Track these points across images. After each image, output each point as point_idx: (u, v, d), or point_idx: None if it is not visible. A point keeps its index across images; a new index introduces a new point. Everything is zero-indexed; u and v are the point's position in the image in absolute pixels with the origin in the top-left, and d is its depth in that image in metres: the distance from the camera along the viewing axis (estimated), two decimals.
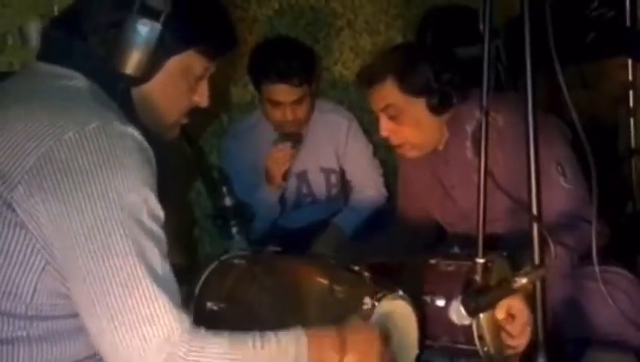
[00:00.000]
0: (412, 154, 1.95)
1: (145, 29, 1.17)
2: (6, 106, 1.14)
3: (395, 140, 1.92)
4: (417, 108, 1.86)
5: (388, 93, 1.87)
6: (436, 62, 1.85)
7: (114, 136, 1.07)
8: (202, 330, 1.08)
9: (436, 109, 1.86)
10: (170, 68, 1.22)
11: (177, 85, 1.25)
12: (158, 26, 1.17)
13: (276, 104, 2.38)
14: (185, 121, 1.33)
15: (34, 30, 2.19)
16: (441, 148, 1.94)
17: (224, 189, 1.69)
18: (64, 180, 1.04)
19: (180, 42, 1.22)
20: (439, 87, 1.83)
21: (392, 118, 1.89)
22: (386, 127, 1.90)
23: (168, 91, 1.24)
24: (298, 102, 2.38)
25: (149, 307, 1.03)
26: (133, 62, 1.18)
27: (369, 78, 1.91)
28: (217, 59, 1.29)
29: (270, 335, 1.13)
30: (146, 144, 1.12)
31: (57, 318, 1.10)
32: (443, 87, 1.84)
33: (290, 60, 2.35)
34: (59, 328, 1.10)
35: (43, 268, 1.06)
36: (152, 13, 1.17)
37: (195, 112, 1.33)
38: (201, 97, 1.31)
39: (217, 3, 1.29)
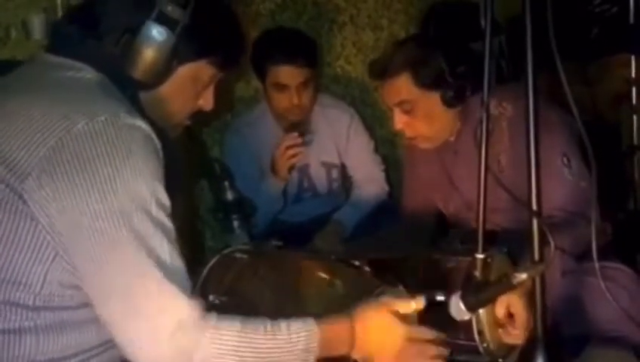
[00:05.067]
0: (425, 145, 1.97)
1: (160, 37, 1.18)
2: (15, 95, 1.15)
3: (408, 133, 1.93)
4: (432, 101, 1.86)
5: (402, 87, 1.86)
6: (451, 54, 1.85)
7: (122, 128, 1.08)
8: (214, 316, 1.09)
9: (451, 102, 1.86)
10: (180, 75, 1.24)
11: (185, 91, 1.27)
12: (173, 35, 1.19)
13: (282, 88, 2.38)
14: (187, 122, 1.35)
15: (37, 23, 2.19)
16: (452, 138, 1.95)
17: (226, 184, 1.70)
18: (73, 171, 1.04)
19: (193, 53, 1.24)
20: (454, 80, 1.83)
21: (406, 112, 1.89)
22: (400, 121, 1.90)
23: (175, 97, 1.26)
24: (304, 85, 2.39)
25: (159, 296, 1.04)
26: (145, 67, 1.19)
27: (382, 71, 1.90)
28: (226, 69, 1.31)
29: (281, 323, 1.14)
30: (154, 136, 1.13)
31: (65, 309, 1.10)
32: (458, 80, 1.83)
33: (295, 42, 2.41)
34: (65, 319, 1.11)
35: (53, 259, 1.07)
36: (169, 22, 1.18)
37: (200, 111, 1.35)
38: (206, 102, 1.33)
39: (233, 16, 1.31)
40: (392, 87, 1.88)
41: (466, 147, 1.89)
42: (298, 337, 1.14)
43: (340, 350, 1.21)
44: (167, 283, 1.05)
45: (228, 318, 1.10)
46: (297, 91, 2.39)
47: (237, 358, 1.08)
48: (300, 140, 2.39)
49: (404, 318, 1.28)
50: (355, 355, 1.24)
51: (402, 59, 1.86)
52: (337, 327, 1.21)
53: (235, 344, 1.08)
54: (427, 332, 1.31)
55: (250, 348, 1.09)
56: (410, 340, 1.27)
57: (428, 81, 1.84)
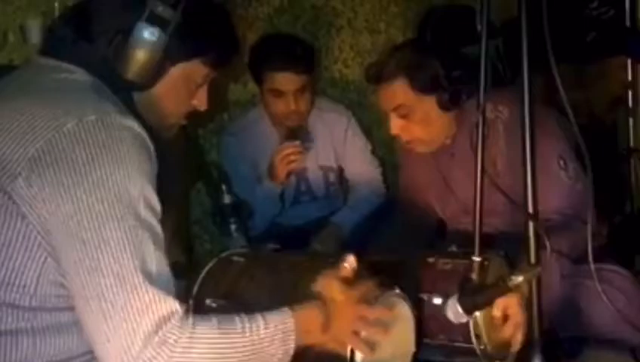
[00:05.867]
0: (422, 149, 1.97)
1: (152, 38, 1.19)
2: (8, 97, 1.16)
3: (405, 137, 1.94)
4: (428, 105, 1.87)
5: (398, 92, 1.87)
6: (446, 58, 1.85)
7: (113, 128, 1.08)
8: (190, 318, 1.08)
9: (446, 106, 1.86)
10: (173, 75, 1.24)
11: (178, 91, 1.27)
12: (165, 35, 1.19)
13: (279, 94, 2.38)
14: (183, 122, 1.34)
15: (35, 27, 2.19)
16: (448, 142, 1.96)
17: (223, 187, 1.70)
18: (62, 171, 1.05)
19: (185, 52, 1.24)
20: (449, 84, 1.84)
21: (402, 117, 1.90)
22: (396, 126, 1.91)
23: (169, 96, 1.26)
24: (301, 91, 2.39)
25: (140, 299, 1.03)
26: (137, 68, 1.20)
27: (378, 76, 1.91)
28: (219, 68, 1.30)
29: (258, 318, 1.14)
30: (145, 136, 1.13)
31: (62, 310, 1.10)
32: (453, 84, 1.84)
33: (293, 49, 2.41)
34: (63, 320, 1.10)
35: (45, 259, 1.07)
36: (160, 22, 1.19)
37: (195, 111, 1.35)
38: (200, 102, 1.33)
39: (225, 14, 1.31)
40: (388, 92, 1.89)
41: (462, 150, 1.90)
42: (275, 329, 1.15)
43: (316, 336, 1.21)
44: (150, 284, 1.04)
45: (204, 319, 1.10)
46: (294, 97, 2.39)
47: (218, 357, 1.08)
48: (300, 148, 2.39)
49: (349, 282, 1.28)
50: (330, 341, 1.23)
51: (397, 64, 1.87)
52: (311, 313, 1.22)
53: (215, 344, 1.08)
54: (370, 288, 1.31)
55: (229, 347, 1.10)
56: (363, 301, 1.27)
57: (423, 86, 1.85)
